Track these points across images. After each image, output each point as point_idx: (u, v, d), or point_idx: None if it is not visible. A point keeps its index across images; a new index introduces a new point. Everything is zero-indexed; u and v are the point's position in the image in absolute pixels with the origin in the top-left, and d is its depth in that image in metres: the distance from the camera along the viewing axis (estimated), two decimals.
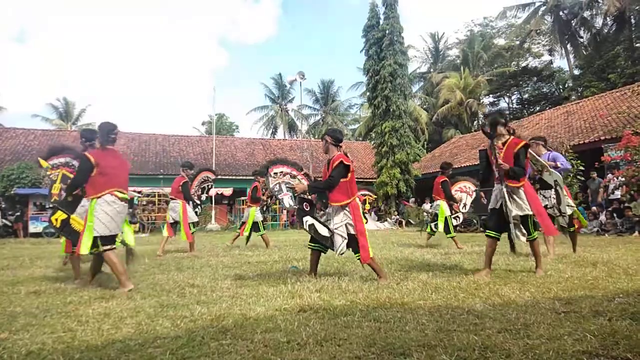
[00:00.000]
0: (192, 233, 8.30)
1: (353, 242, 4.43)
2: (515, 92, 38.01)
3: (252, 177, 9.66)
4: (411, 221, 21.37)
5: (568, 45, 33.41)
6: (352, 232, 4.43)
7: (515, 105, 39.01)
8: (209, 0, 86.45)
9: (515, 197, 4.52)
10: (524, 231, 4.52)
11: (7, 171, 18.94)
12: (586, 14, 31.77)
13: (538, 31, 34.84)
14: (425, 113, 33.72)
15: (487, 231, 4.72)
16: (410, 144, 22.91)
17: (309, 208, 4.63)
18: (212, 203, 20.63)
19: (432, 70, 39.84)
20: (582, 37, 33.38)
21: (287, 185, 4.80)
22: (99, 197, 4.20)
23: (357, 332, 2.52)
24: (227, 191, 23.34)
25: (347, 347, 2.27)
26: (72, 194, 4.48)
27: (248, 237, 9.53)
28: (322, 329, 2.61)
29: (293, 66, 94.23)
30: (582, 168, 13.54)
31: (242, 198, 23.18)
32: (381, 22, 23.35)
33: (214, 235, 16.95)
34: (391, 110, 22.40)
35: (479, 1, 63.10)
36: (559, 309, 2.96)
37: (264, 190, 8.89)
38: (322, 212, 4.69)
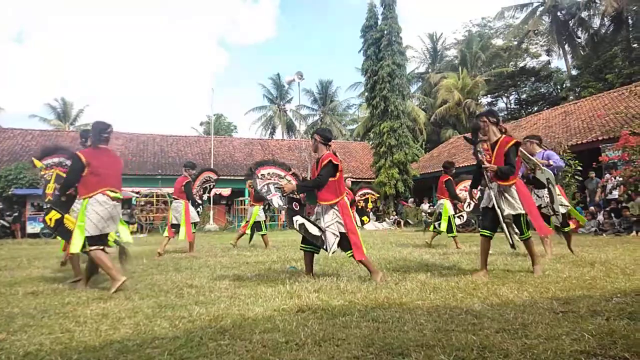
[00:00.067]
0: (192, 233, 8.30)
1: (344, 241, 4.44)
2: (513, 93, 38.06)
3: None
4: (409, 221, 21.39)
5: (566, 46, 33.48)
6: (343, 230, 4.44)
7: (513, 106, 39.08)
8: (207, 1, 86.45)
9: (507, 196, 4.50)
10: (516, 230, 4.50)
11: (5, 171, 18.89)
12: (584, 14, 31.84)
13: (536, 31, 34.92)
14: (424, 113, 33.75)
15: (481, 230, 4.73)
16: (408, 144, 22.94)
17: (298, 207, 4.64)
18: (210, 203, 20.61)
19: (430, 70, 39.87)
20: (579, 38, 33.46)
21: (276, 186, 4.80)
22: (91, 196, 4.20)
23: (356, 332, 2.52)
24: (226, 191, 23.33)
25: (346, 347, 2.27)
26: (66, 193, 4.48)
27: (251, 236, 9.58)
28: (320, 329, 2.61)
29: (291, 66, 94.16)
30: (579, 168, 13.60)
31: (241, 198, 23.18)
32: (379, 22, 23.37)
33: (212, 235, 16.94)
34: (389, 110, 22.42)
35: (477, 2, 63.24)
36: (557, 308, 2.96)
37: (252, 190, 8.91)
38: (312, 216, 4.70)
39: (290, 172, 5.03)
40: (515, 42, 36.04)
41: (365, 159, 28.18)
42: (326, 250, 4.48)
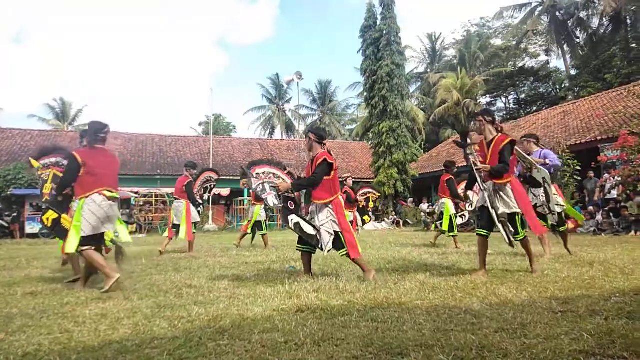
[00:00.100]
0: (193, 233, 8.32)
1: (337, 240, 4.45)
2: (512, 93, 38.07)
3: None
4: (409, 221, 21.40)
5: (564, 46, 33.51)
6: (337, 229, 4.45)
7: (512, 106, 39.10)
8: (206, 1, 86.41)
9: (502, 194, 4.48)
10: (511, 229, 4.44)
11: (4, 172, 18.88)
12: (582, 14, 31.87)
13: (535, 31, 34.94)
14: (423, 113, 33.76)
15: (477, 230, 4.73)
16: (407, 144, 22.95)
17: (293, 206, 4.64)
18: (209, 204, 20.61)
19: (429, 70, 39.87)
20: (578, 38, 33.50)
21: (271, 185, 4.80)
22: (87, 196, 4.20)
23: (355, 332, 2.52)
24: (225, 191, 23.32)
25: (345, 347, 2.26)
26: (62, 193, 4.47)
27: (252, 236, 9.62)
28: (319, 329, 2.61)
29: (290, 66, 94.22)
30: (578, 168, 13.62)
31: (240, 198, 23.17)
32: (378, 22, 23.38)
33: (211, 235, 16.93)
34: (388, 110, 22.43)
35: (475, 2, 63.29)
36: (555, 308, 2.96)
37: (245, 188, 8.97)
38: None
39: (285, 171, 5.03)
40: (514, 42, 36.07)
41: (365, 159, 28.18)
42: (321, 249, 4.48)
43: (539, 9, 32.78)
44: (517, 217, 4.48)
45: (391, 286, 3.94)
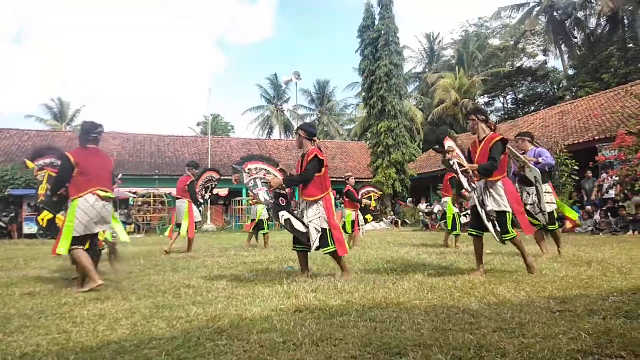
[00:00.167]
0: (194, 232, 8.41)
1: (324, 237, 4.45)
2: (510, 92, 38.15)
3: None
4: (407, 221, 21.42)
5: (562, 46, 33.59)
6: (326, 226, 4.46)
7: (510, 106, 39.17)
8: (205, 1, 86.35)
9: (492, 192, 4.44)
10: (498, 229, 4.40)
11: (1, 172, 18.83)
12: (580, 14, 31.96)
13: (532, 31, 35.02)
14: (421, 113, 33.78)
15: (469, 230, 4.72)
16: (405, 144, 22.97)
17: (285, 203, 4.66)
18: (208, 204, 20.60)
19: (427, 70, 39.91)
20: (576, 38, 33.58)
21: (263, 181, 4.81)
22: (81, 196, 4.20)
23: (353, 332, 2.52)
24: (223, 192, 23.28)
25: (343, 347, 2.27)
26: (57, 194, 4.47)
27: (256, 236, 9.67)
28: (318, 329, 2.60)
29: (289, 66, 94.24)
30: (576, 168, 13.65)
31: (239, 198, 23.15)
32: (377, 22, 23.40)
33: (210, 236, 16.91)
34: (387, 110, 22.45)
35: (474, 2, 63.41)
36: (554, 308, 2.97)
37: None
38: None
39: (277, 168, 5.04)
40: (512, 42, 36.14)
41: (363, 159, 28.18)
42: (310, 246, 4.48)
43: (537, 9, 32.84)
44: (507, 216, 4.42)
45: (389, 286, 3.95)
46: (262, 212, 9.21)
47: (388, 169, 22.26)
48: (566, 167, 13.82)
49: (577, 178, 13.85)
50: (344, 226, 9.07)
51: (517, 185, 5.64)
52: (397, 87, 22.73)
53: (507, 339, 2.31)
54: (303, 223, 4.49)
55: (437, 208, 18.10)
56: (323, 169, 4.52)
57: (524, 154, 6.06)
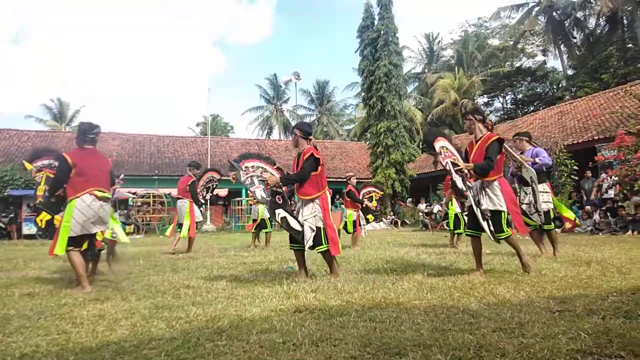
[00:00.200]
0: (195, 232, 8.46)
1: (318, 235, 4.46)
2: (510, 92, 38.19)
3: None
4: (406, 221, 21.42)
5: (561, 46, 33.61)
6: (321, 225, 4.46)
7: (509, 106, 39.21)
8: (204, 1, 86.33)
9: (488, 191, 4.41)
10: (492, 228, 4.37)
11: (1, 173, 18.81)
12: (579, 14, 31.98)
13: (532, 31, 35.03)
14: (420, 113, 33.78)
15: (466, 230, 4.71)
16: (405, 144, 22.97)
17: (281, 201, 4.68)
18: (207, 204, 20.58)
19: (426, 70, 39.93)
20: (575, 38, 33.60)
21: (259, 179, 4.82)
22: (78, 197, 4.20)
23: (353, 332, 2.52)
24: (222, 192, 23.28)
25: (343, 347, 2.27)
26: (55, 194, 4.48)
27: (258, 235, 9.69)
28: (317, 329, 2.60)
29: (289, 66, 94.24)
30: (576, 168, 13.66)
31: (238, 199, 23.14)
32: (376, 22, 23.40)
33: (209, 236, 16.90)
34: (386, 110, 22.45)
35: (473, 2, 63.44)
36: (553, 307, 2.97)
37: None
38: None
39: (274, 166, 5.05)
40: (511, 42, 36.15)
41: (362, 159, 28.19)
42: (304, 244, 4.48)
43: (536, 9, 32.86)
44: (502, 215, 4.39)
45: (389, 286, 3.95)
46: (263, 212, 9.23)
47: (387, 169, 22.27)
48: (565, 167, 13.82)
49: (577, 178, 13.86)
50: (345, 226, 9.09)
51: (516, 184, 5.64)
52: (396, 87, 22.73)
53: (507, 339, 2.31)
54: (299, 221, 4.50)
55: (436, 208, 18.12)
56: (319, 168, 4.53)
57: (521, 153, 6.06)
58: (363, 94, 25.00)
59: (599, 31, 31.77)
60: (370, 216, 9.47)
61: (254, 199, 5.30)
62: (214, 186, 9.26)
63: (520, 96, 38.02)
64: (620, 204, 11.85)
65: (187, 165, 8.71)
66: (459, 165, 4.41)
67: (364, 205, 9.27)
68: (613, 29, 30.40)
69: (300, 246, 4.65)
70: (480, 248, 4.59)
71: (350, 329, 2.60)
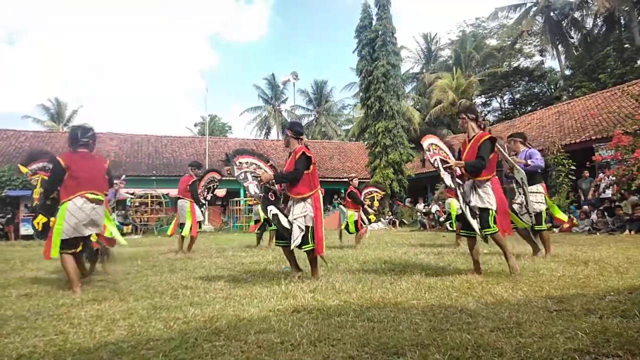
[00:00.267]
0: (197, 231, 8.51)
1: (306, 235, 4.46)
2: (507, 92, 38.26)
3: None
4: (405, 221, 21.43)
5: (559, 46, 33.68)
6: (310, 224, 4.48)
7: (507, 106, 39.29)
8: (202, 1, 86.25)
9: (479, 190, 4.39)
10: (478, 226, 4.34)
11: None
12: (577, 14, 32.06)
13: (529, 32, 35.09)
14: (418, 113, 33.81)
15: (461, 231, 4.70)
16: (403, 144, 22.97)
17: (273, 198, 4.69)
18: (206, 204, 20.56)
19: (424, 70, 39.97)
20: (572, 38, 33.69)
21: (253, 174, 4.83)
22: (70, 200, 4.20)
23: (351, 332, 2.52)
24: (221, 192, 23.25)
25: (341, 347, 2.27)
26: (50, 197, 4.47)
27: (260, 235, 9.70)
28: (315, 329, 2.61)
29: (287, 67, 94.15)
30: (573, 167, 13.69)
31: (237, 199, 23.13)
32: (374, 22, 23.40)
33: (207, 236, 16.88)
34: (384, 110, 22.45)
35: (471, 2, 63.54)
36: (551, 307, 2.98)
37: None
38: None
39: (268, 164, 5.06)
40: (509, 42, 36.20)
41: (361, 159, 28.20)
42: (291, 242, 4.47)
43: (534, 9, 32.93)
44: (489, 212, 4.37)
45: (387, 286, 3.95)
46: None
47: (385, 169, 22.26)
48: (563, 166, 13.86)
49: (574, 178, 13.89)
50: (347, 227, 9.10)
51: (514, 184, 5.65)
52: (394, 87, 22.74)
53: (505, 339, 2.31)
54: (289, 220, 4.52)
55: (434, 208, 18.12)
56: (311, 167, 4.54)
57: (515, 155, 6.07)
58: (361, 94, 24.98)
59: (596, 31, 31.87)
60: (372, 217, 9.47)
61: (249, 194, 5.33)
62: (215, 187, 9.28)
63: (518, 96, 38.10)
64: (617, 203, 11.88)
65: (189, 165, 8.77)
66: (449, 163, 4.40)
67: (365, 207, 9.27)
68: (610, 29, 30.50)
69: (286, 243, 4.65)
70: (477, 248, 4.59)
71: (348, 328, 2.61)
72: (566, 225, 12.02)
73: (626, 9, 28.00)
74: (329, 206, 24.85)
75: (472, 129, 4.58)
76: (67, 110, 40.69)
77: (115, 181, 6.78)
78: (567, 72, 33.46)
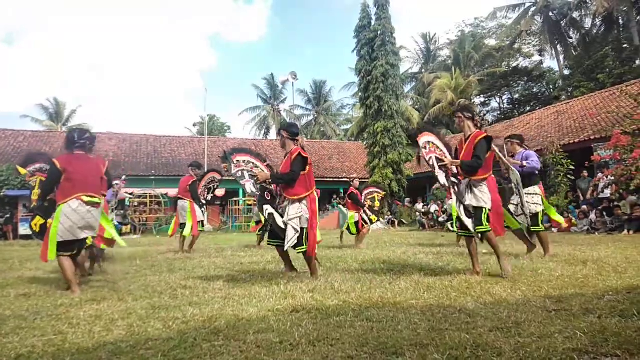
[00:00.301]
0: (199, 231, 8.56)
1: (301, 236, 4.46)
2: (506, 92, 38.27)
3: None
4: (404, 221, 21.44)
5: (558, 46, 33.71)
6: (305, 225, 4.48)
7: (506, 105, 39.30)
8: (201, 1, 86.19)
9: (475, 190, 4.38)
10: (472, 225, 4.34)
11: None
12: (575, 14, 32.10)
13: (528, 32, 35.14)
14: (417, 113, 33.81)
15: (459, 230, 4.70)
16: (402, 144, 22.97)
17: (270, 197, 4.70)
18: (206, 204, 20.55)
19: (423, 70, 39.99)
20: (571, 38, 33.73)
21: (250, 173, 4.84)
22: (65, 202, 4.19)
23: (350, 332, 2.52)
24: (220, 192, 23.24)
25: (340, 347, 2.27)
26: (47, 199, 4.46)
27: (262, 236, 9.69)
28: (314, 329, 2.61)
29: (286, 66, 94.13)
30: (572, 167, 13.70)
31: (235, 199, 23.11)
32: (373, 22, 23.40)
33: (206, 236, 16.87)
34: (383, 110, 22.46)
35: (469, 2, 63.56)
36: (549, 307, 2.98)
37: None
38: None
39: (265, 163, 5.06)
40: (508, 42, 36.24)
41: (360, 159, 28.20)
42: (284, 243, 4.48)
43: (533, 9, 32.95)
44: (483, 211, 4.35)
45: (386, 286, 3.95)
46: None
47: (385, 168, 22.27)
48: (562, 166, 13.87)
49: (573, 177, 13.91)
50: (348, 228, 9.10)
51: (513, 185, 5.65)
52: (393, 87, 22.75)
53: (503, 338, 2.32)
54: (284, 221, 4.52)
55: (433, 208, 18.13)
56: (307, 167, 4.54)
57: (512, 156, 6.08)
58: (360, 94, 25.00)
59: (595, 31, 31.89)
60: (373, 217, 9.47)
61: (245, 192, 5.37)
62: (215, 187, 9.28)
63: (516, 96, 38.11)
64: (616, 203, 11.89)
65: (189, 165, 8.81)
66: (444, 161, 4.40)
67: (366, 208, 9.25)
68: (609, 29, 30.52)
69: (278, 242, 4.66)
70: (475, 247, 4.59)
71: (347, 328, 2.61)
72: (565, 225, 12.03)
73: (625, 9, 28.03)
74: (327, 206, 24.87)
75: (468, 128, 4.58)
76: (65, 110, 40.65)
77: (115, 182, 6.78)
78: (566, 72, 33.48)
